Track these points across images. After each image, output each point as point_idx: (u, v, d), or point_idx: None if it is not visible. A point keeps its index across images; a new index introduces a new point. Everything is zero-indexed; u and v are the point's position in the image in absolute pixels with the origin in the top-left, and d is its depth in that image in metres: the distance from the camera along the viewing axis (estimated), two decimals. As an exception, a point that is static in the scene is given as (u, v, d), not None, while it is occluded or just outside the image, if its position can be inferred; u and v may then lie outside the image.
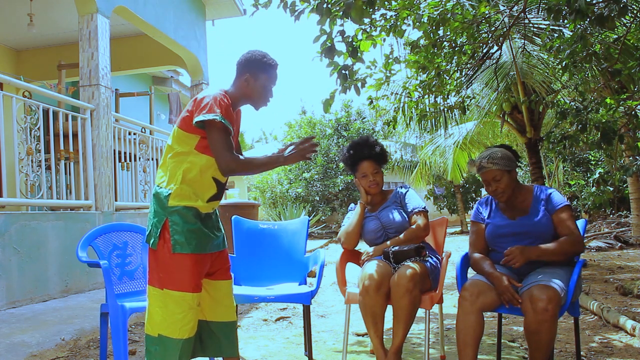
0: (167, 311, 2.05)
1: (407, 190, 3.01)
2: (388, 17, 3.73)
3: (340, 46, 3.23)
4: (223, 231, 2.31)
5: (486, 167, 2.50)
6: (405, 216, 2.90)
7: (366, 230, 2.95)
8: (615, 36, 4.37)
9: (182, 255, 2.05)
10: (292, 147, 2.13)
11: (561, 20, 3.03)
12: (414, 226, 2.83)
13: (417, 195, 3.01)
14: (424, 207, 2.91)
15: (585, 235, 7.11)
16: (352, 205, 3.13)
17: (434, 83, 4.49)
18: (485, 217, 2.63)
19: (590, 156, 12.67)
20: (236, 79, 2.21)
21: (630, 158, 6.86)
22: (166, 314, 2.06)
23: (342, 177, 15.45)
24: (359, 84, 3.53)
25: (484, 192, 19.23)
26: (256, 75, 2.16)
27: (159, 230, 2.07)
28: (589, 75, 4.82)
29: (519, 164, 2.57)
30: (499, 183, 2.49)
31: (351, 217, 2.98)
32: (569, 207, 2.47)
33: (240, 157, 2.10)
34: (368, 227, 2.95)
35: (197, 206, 2.11)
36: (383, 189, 3.02)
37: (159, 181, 2.14)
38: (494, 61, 4.84)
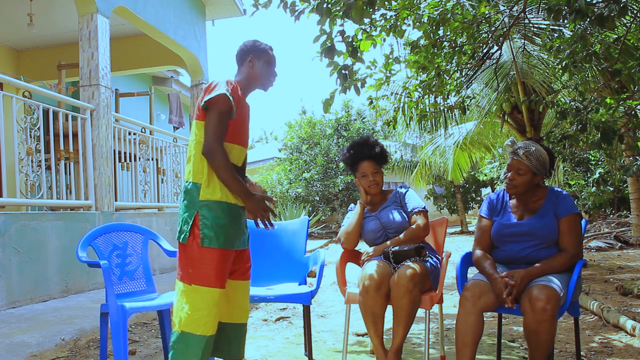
0: (194, 307, 2.06)
1: (407, 190, 3.00)
2: (388, 17, 3.73)
3: (340, 46, 3.23)
4: (248, 229, 2.31)
5: (519, 156, 2.46)
6: (405, 216, 2.89)
7: (366, 230, 2.95)
8: (615, 36, 4.37)
9: (209, 250, 2.06)
10: (263, 196, 2.14)
11: (561, 20, 3.03)
12: (413, 226, 2.83)
13: (417, 195, 3.01)
14: (424, 207, 2.91)
15: (585, 235, 7.10)
16: (352, 205, 3.12)
17: (434, 83, 4.49)
18: (494, 214, 2.61)
19: (590, 156, 12.65)
20: (240, 67, 2.26)
21: (630, 158, 6.85)
22: (192, 310, 2.06)
23: (342, 177, 15.44)
24: (359, 84, 3.53)
25: (484, 192, 19.22)
26: (258, 56, 2.24)
27: (190, 224, 2.08)
28: (589, 75, 4.81)
29: (548, 175, 2.53)
30: (518, 177, 2.45)
31: (351, 217, 2.98)
32: (578, 215, 2.43)
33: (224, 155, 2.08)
34: (368, 227, 2.94)
35: (228, 200, 2.11)
36: (383, 189, 3.02)
37: (187, 177, 2.15)
38: (494, 61, 4.83)
